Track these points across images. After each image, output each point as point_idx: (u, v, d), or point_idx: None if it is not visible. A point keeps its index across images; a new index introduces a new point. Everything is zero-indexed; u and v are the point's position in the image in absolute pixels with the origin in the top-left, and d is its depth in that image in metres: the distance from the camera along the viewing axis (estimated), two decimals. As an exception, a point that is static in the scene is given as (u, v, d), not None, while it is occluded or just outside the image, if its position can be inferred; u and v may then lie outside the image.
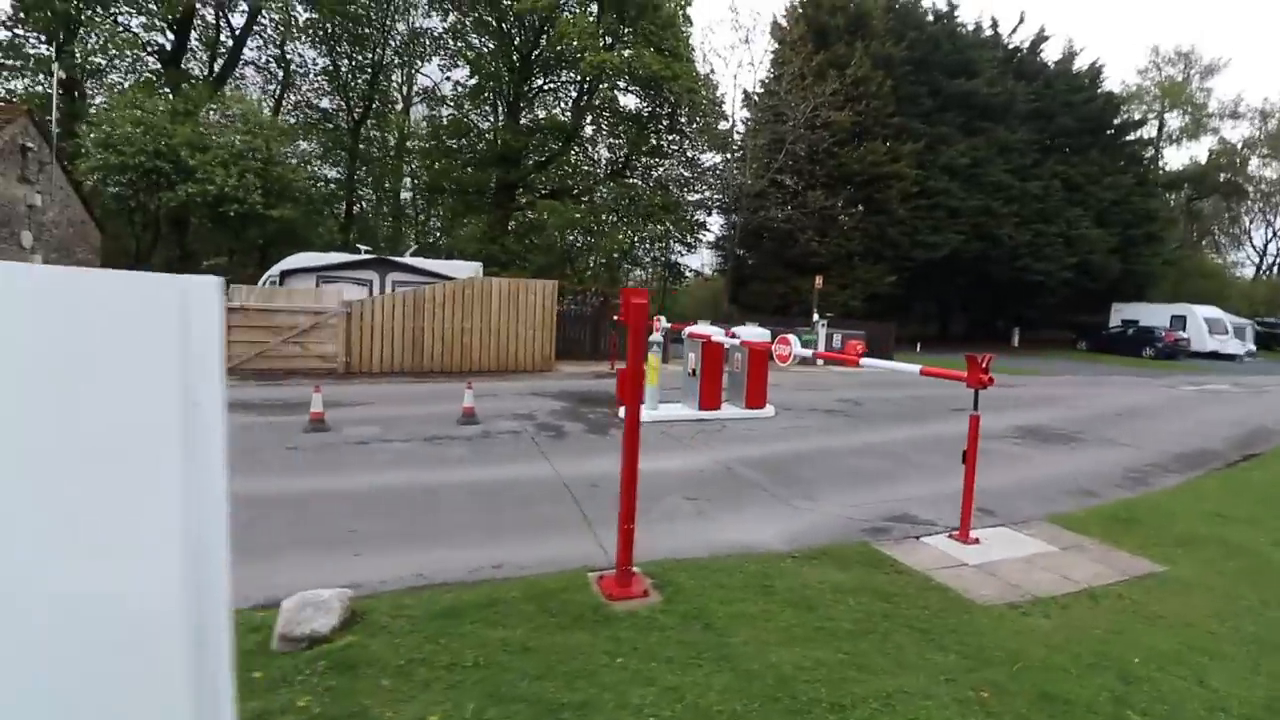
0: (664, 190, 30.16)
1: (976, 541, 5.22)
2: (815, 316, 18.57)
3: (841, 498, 6.24)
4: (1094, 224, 31.48)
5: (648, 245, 33.12)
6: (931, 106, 28.88)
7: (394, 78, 29.43)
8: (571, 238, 28.46)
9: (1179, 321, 29.09)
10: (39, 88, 19.05)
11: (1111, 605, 4.22)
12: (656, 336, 9.59)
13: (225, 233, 20.68)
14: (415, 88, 30.35)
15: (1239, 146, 46.75)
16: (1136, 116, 39.78)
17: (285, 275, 16.84)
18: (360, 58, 27.52)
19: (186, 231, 22.57)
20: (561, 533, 5.04)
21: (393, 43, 27.70)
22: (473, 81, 28.96)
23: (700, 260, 38.97)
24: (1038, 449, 8.98)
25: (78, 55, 21.06)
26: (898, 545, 5.14)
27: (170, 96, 20.47)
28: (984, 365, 4.99)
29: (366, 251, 19.62)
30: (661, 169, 31.18)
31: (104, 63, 22.24)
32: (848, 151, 26.69)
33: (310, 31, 26.44)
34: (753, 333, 9.94)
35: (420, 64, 29.65)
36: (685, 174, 30.47)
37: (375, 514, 5.35)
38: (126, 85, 21.91)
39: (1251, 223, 50.08)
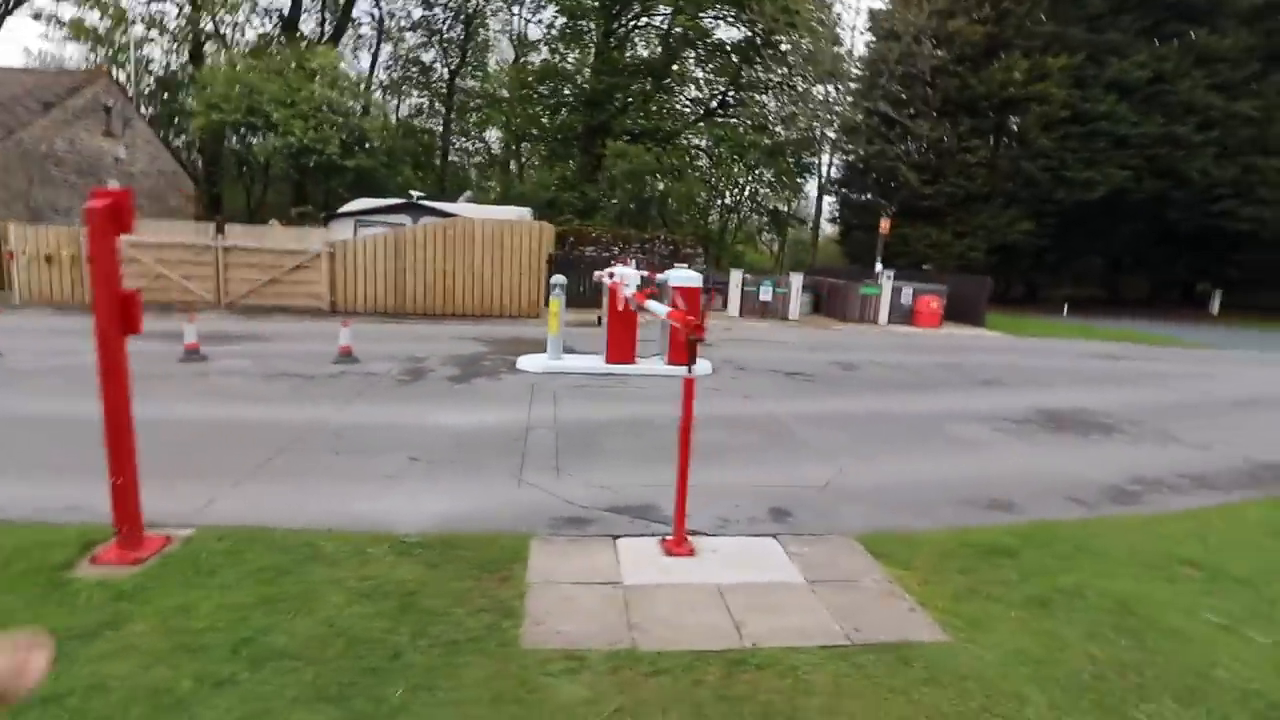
0: (761, 129, 27.54)
1: (690, 553, 3.73)
2: (878, 267, 15.76)
3: (604, 477, 4.88)
4: (1345, 153, 23.43)
5: (743, 189, 30.77)
6: (1101, 9, 22.91)
7: (488, 25, 29.60)
8: (656, 184, 27.09)
9: None
10: (172, 56, 21.68)
11: (724, 684, 2.66)
12: (560, 278, 8.42)
13: (311, 182, 22.41)
14: (511, 32, 30.35)
15: None
16: None
17: (329, 220, 17.78)
18: (453, 4, 27.95)
19: (292, 181, 24.84)
20: (198, 482, 4.41)
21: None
22: (560, 21, 28.27)
23: (820, 209, 35.62)
24: (1023, 439, 6.61)
25: (202, 23, 23.67)
26: (573, 544, 3.81)
27: (267, 54, 22.31)
28: (703, 307, 3.41)
29: (420, 197, 20.15)
30: (761, 105, 28.45)
31: (221, 28, 24.80)
32: (970, 70, 22.15)
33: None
34: (684, 276, 8.37)
35: (517, 8, 29.50)
36: (793, 108, 27.48)
37: (87, 445, 5.12)
38: (237, 48, 24.23)
39: None
